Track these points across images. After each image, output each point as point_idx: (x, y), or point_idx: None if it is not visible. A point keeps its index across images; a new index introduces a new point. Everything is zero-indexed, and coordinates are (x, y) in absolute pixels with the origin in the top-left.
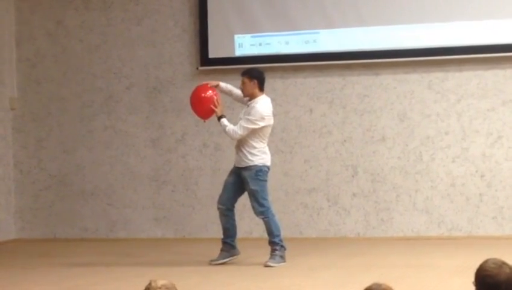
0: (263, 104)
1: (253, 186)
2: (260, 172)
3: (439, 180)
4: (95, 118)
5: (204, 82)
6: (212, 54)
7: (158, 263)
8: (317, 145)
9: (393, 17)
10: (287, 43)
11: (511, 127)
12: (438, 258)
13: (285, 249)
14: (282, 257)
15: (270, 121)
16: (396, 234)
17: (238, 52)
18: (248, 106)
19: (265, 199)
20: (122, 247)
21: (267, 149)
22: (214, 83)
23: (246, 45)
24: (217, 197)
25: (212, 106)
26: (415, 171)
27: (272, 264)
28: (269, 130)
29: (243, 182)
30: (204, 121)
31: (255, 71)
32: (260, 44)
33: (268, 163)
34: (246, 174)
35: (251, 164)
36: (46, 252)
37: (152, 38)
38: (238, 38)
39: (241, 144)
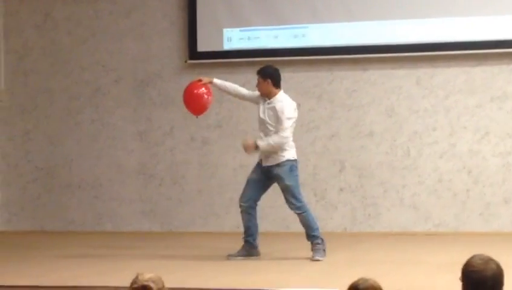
0: (285, 99)
1: (289, 181)
2: (293, 167)
3: (427, 176)
4: (82, 111)
5: (197, 78)
6: (200, 48)
7: (144, 256)
8: (304, 139)
9: (382, 13)
10: (275, 37)
11: (498, 123)
12: (425, 254)
13: (325, 242)
14: (325, 251)
15: (296, 113)
16: (383, 229)
17: (227, 46)
18: (269, 104)
19: (301, 194)
20: (108, 240)
21: (293, 143)
22: (207, 79)
23: (235, 38)
24: (204, 191)
25: (244, 149)
26: (402, 166)
27: (320, 258)
28: (294, 124)
29: (270, 180)
30: (197, 117)
31: (267, 70)
32: (249, 38)
33: (296, 157)
34: (279, 170)
35: (283, 159)
36: (32, 245)
37: (140, 32)
38: (227, 32)
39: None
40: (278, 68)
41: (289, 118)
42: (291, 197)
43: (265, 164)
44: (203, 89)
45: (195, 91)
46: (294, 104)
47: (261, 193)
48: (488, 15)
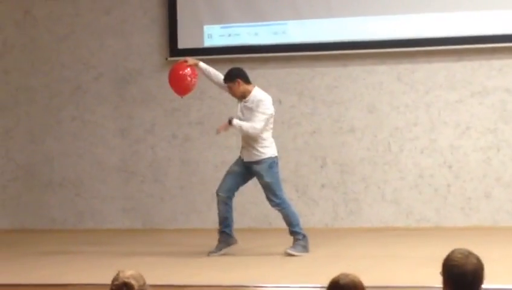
0: (262, 94)
1: (268, 179)
2: (273, 164)
3: (408, 171)
4: (63, 109)
5: (183, 59)
6: (181, 45)
7: (126, 253)
8: (286, 136)
9: (362, 8)
10: (256, 34)
11: (479, 118)
12: (406, 249)
13: (307, 239)
14: (305, 247)
15: (273, 108)
16: (364, 224)
17: (207, 42)
18: (246, 102)
19: (281, 190)
20: (90, 238)
21: (272, 139)
22: (193, 61)
23: (215, 35)
24: (186, 188)
25: (219, 130)
26: (383, 162)
27: (292, 253)
28: (272, 119)
29: (250, 175)
30: (182, 97)
31: (232, 73)
32: (229, 35)
33: (276, 154)
34: (258, 168)
35: (263, 157)
36: (13, 243)
37: (121, 29)
38: (208, 29)
39: (249, 138)
40: (242, 67)
41: (263, 113)
42: (270, 194)
43: (246, 160)
44: (188, 69)
45: (181, 72)
46: (270, 99)
47: (240, 185)
48: (468, 10)
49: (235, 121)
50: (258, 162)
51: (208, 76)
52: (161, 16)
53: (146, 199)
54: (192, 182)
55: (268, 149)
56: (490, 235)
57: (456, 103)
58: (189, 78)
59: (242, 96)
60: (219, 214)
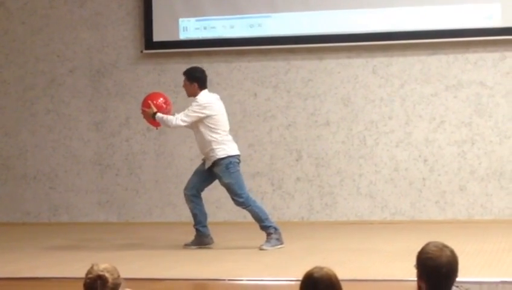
0: (201, 96)
1: (226, 179)
2: (230, 164)
3: (383, 165)
4: (37, 101)
5: (155, 91)
6: (156, 38)
7: (101, 247)
8: (261, 129)
9: (338, 2)
10: (231, 27)
11: (454, 112)
12: (381, 242)
13: (279, 231)
14: (279, 239)
15: (211, 110)
16: (340, 218)
17: (183, 35)
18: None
19: (242, 189)
20: (64, 231)
21: (227, 139)
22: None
23: (191, 28)
24: (161, 181)
25: (143, 108)
26: (358, 155)
27: (266, 248)
28: (220, 120)
29: (213, 175)
30: (157, 128)
31: (194, 74)
32: (205, 28)
33: (233, 152)
34: (216, 170)
35: (215, 158)
36: None
37: (95, 21)
38: (183, 22)
39: (200, 144)
40: (204, 70)
41: (194, 111)
42: (232, 194)
43: (206, 165)
44: (161, 99)
45: (155, 102)
46: (210, 102)
47: (205, 183)
48: (442, 4)
49: (158, 115)
50: (214, 165)
51: None
52: (136, 9)
53: (121, 192)
54: (167, 176)
55: (217, 150)
56: (465, 229)
57: (431, 96)
58: (164, 106)
59: (191, 96)
60: (190, 211)
